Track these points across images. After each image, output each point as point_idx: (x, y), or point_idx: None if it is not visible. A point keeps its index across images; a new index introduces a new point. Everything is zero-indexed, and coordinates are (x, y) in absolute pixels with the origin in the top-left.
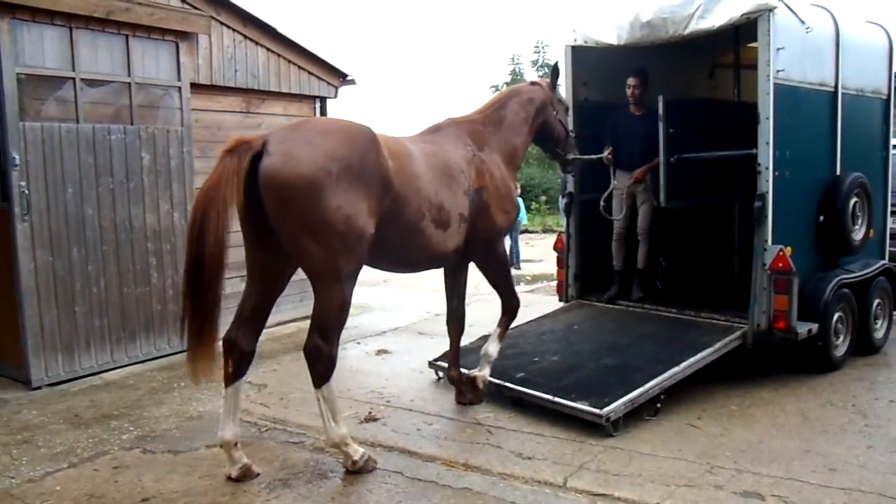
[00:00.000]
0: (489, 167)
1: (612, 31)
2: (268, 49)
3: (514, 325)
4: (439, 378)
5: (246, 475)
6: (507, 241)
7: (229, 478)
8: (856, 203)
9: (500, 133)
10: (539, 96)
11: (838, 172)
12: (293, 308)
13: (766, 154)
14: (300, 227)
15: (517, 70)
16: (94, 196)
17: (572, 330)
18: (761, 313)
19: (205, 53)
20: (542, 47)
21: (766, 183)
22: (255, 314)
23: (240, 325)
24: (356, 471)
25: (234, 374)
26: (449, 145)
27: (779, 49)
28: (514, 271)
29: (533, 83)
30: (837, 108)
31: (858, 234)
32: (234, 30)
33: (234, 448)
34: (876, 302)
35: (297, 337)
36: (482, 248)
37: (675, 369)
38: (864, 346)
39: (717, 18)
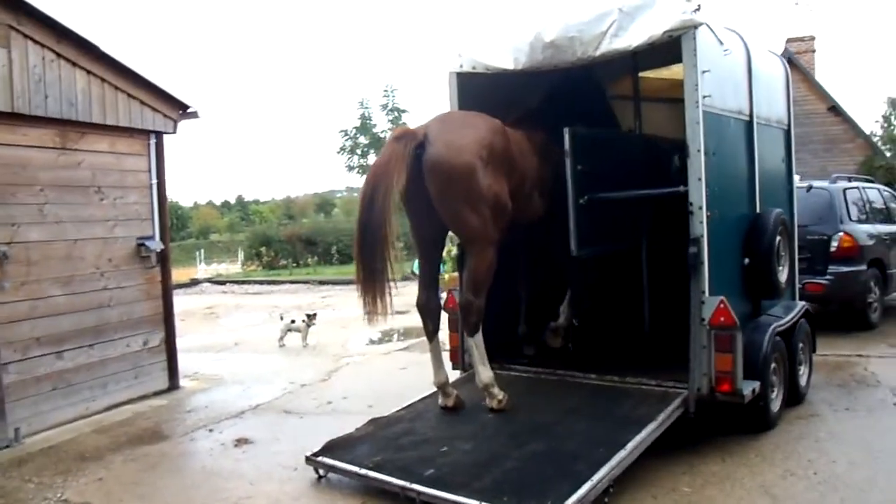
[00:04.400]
0: (552, 144)
1: (507, 54)
2: (89, 72)
3: (406, 403)
4: (320, 477)
5: (458, 406)
6: None
7: (445, 408)
8: (779, 242)
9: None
10: None
11: (758, 209)
12: (127, 387)
13: (699, 192)
14: (461, 202)
15: (366, 114)
16: None
17: (480, 407)
18: (702, 375)
19: (3, 73)
20: (391, 91)
21: (701, 225)
22: (431, 278)
23: (425, 290)
24: (500, 409)
25: (434, 331)
26: (530, 129)
27: (704, 72)
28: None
29: None
30: (754, 138)
31: (783, 275)
32: (43, 45)
33: (448, 386)
34: (800, 347)
35: (134, 426)
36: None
37: (622, 453)
38: (791, 396)
39: (633, 37)
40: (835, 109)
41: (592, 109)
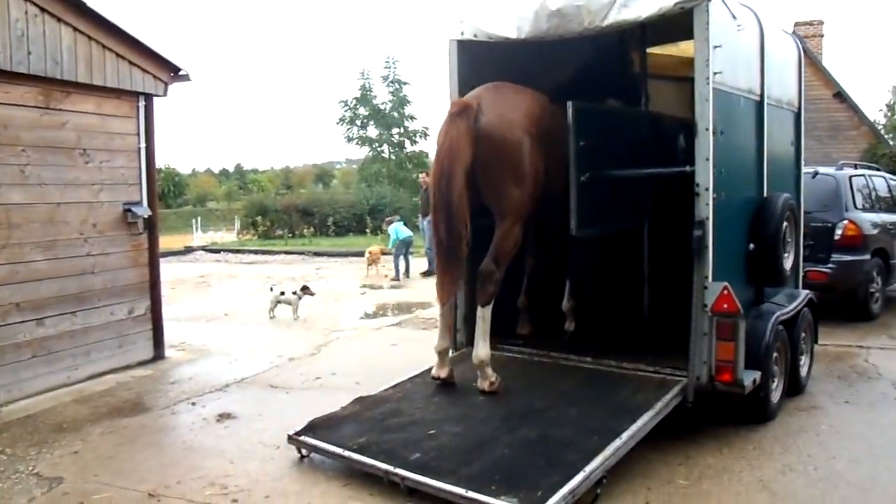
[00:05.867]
0: None
1: (511, 22)
2: (75, 29)
3: (394, 382)
4: (303, 457)
5: (449, 379)
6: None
7: (437, 378)
8: (786, 228)
9: None
10: None
11: (765, 193)
12: (110, 356)
13: (706, 172)
14: (507, 174)
15: (367, 85)
16: None
17: (470, 388)
18: (702, 364)
19: None
20: (393, 63)
21: (707, 207)
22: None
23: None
24: (491, 391)
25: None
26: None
27: (715, 47)
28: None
29: None
30: (763, 120)
31: (788, 262)
32: None
33: (446, 355)
34: (801, 336)
35: (115, 397)
36: None
37: (617, 443)
38: (791, 386)
39: (643, 8)
40: (840, 96)
41: (621, 83)
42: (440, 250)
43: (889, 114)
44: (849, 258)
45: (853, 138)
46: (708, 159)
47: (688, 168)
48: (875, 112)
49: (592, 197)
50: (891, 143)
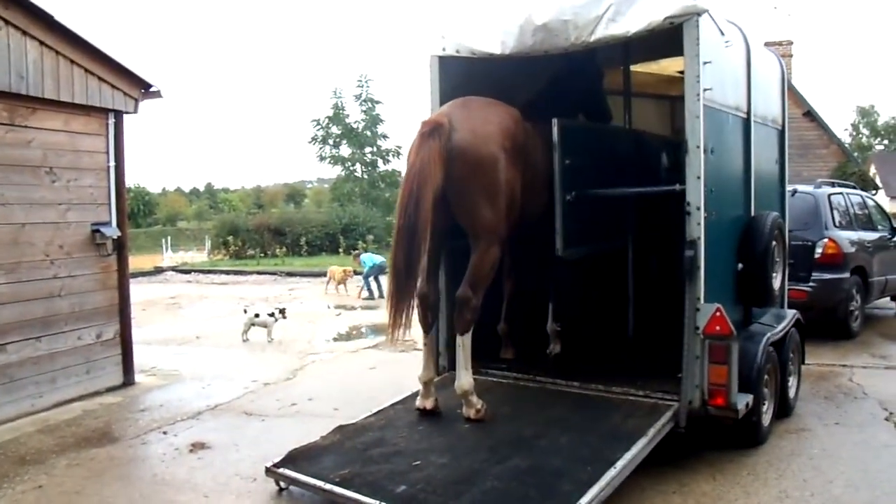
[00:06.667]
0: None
1: (495, 37)
2: (41, 42)
3: (375, 408)
4: (281, 490)
5: (435, 409)
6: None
7: (423, 409)
8: (774, 247)
9: None
10: None
11: (752, 212)
12: (77, 383)
13: (697, 191)
14: (480, 192)
15: (339, 104)
16: None
17: (456, 415)
18: (694, 387)
19: None
20: (365, 81)
21: (698, 227)
22: (433, 270)
23: (427, 282)
24: (477, 419)
25: (431, 324)
26: (538, 120)
27: (705, 63)
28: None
29: None
30: (751, 137)
31: (776, 282)
32: None
33: (432, 385)
34: (790, 357)
35: (82, 426)
36: None
37: (612, 472)
38: (781, 408)
39: (632, 23)
40: (810, 115)
41: (592, 99)
42: (394, 281)
43: (854, 133)
44: (829, 276)
45: (823, 157)
46: (699, 178)
47: (677, 187)
48: (841, 131)
49: (578, 216)
50: (859, 161)
